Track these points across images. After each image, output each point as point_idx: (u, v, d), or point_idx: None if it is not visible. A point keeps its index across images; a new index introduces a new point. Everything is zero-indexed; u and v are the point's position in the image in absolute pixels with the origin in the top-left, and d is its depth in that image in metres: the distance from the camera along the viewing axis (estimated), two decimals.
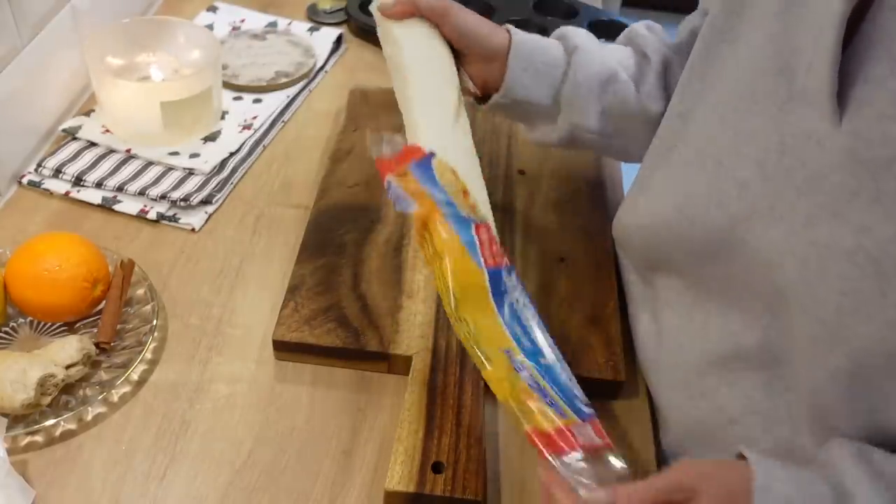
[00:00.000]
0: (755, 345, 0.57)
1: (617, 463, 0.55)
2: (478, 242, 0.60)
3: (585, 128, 0.73)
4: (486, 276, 0.60)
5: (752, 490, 0.46)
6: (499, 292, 0.60)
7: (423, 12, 0.71)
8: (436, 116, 0.68)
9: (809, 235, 0.50)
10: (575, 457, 0.54)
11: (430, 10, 0.71)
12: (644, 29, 0.76)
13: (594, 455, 0.54)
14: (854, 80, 0.48)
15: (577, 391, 0.59)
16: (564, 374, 0.60)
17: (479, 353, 0.58)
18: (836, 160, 0.49)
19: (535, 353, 0.60)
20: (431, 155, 0.61)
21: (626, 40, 0.77)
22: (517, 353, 0.59)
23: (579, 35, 0.74)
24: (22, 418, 0.63)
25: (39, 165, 0.85)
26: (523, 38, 0.72)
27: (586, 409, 0.58)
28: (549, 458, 0.53)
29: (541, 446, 0.54)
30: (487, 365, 0.58)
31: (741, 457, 0.49)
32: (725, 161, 0.57)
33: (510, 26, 0.74)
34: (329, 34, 1.09)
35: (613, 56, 0.74)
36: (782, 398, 0.56)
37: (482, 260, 0.60)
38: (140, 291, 0.73)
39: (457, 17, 0.71)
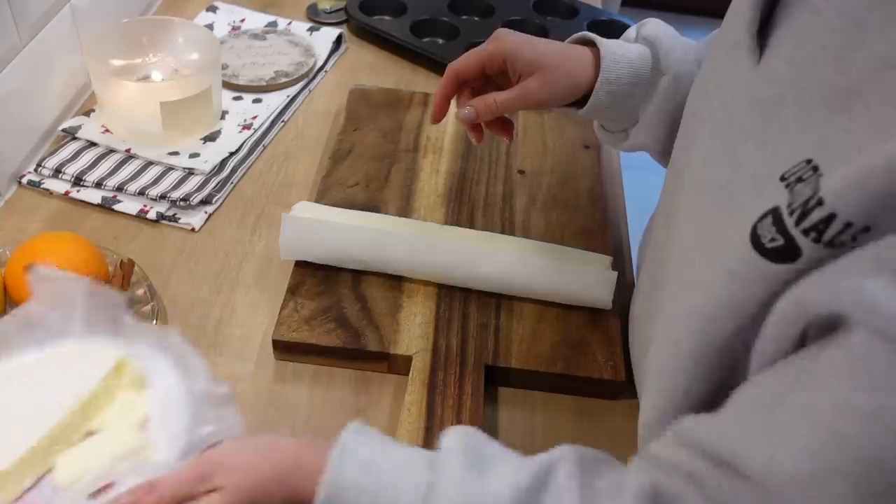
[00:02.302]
0: None
1: None
2: None
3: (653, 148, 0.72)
4: None
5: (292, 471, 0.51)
6: None
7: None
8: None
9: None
10: None
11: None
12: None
13: None
14: (774, 28, 0.50)
15: None
16: None
17: None
18: (743, 103, 0.50)
19: None
20: None
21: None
22: None
23: (673, 50, 0.67)
24: None
25: (39, 165, 0.84)
26: (610, 66, 0.66)
27: None
28: None
29: None
30: None
31: None
32: (698, 111, 0.58)
33: (595, 39, 0.68)
34: (329, 34, 1.09)
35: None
36: None
37: None
38: (140, 291, 0.73)
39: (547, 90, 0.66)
